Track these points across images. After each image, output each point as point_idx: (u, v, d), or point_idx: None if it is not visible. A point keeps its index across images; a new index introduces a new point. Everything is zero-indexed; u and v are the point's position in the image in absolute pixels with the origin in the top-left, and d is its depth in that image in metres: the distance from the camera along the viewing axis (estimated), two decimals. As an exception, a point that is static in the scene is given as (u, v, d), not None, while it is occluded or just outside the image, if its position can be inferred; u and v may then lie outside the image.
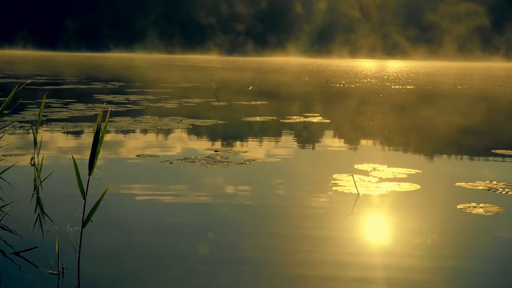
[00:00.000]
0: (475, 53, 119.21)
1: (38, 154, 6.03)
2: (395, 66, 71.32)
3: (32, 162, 5.95)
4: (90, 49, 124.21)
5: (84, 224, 3.14)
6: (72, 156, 3.24)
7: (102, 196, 3.09)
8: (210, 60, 77.50)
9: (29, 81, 5.47)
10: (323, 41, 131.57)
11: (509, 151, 7.63)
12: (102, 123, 3.13)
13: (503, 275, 3.25)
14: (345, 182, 5.37)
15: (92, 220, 3.98)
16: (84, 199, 3.14)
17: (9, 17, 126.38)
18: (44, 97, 6.07)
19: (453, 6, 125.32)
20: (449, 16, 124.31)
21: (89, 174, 3.12)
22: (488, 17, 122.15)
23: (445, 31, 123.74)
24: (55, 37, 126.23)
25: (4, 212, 3.83)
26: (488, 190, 5.22)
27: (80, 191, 3.13)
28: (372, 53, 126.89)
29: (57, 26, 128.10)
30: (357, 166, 6.20)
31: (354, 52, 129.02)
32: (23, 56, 72.18)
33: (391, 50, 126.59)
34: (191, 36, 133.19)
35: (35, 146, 6.09)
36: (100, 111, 3.02)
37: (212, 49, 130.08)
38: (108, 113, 3.20)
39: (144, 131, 8.85)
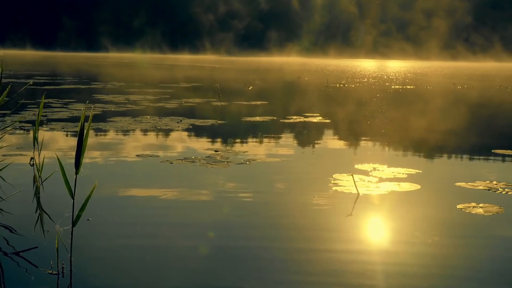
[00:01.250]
0: (461, 52, 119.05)
1: (39, 154, 6.03)
2: (393, 66, 71.31)
3: (32, 162, 5.95)
4: (87, 49, 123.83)
5: (74, 223, 3.14)
6: (57, 156, 3.25)
7: (90, 194, 3.09)
8: (208, 60, 77.50)
9: (31, 81, 5.45)
10: (322, 40, 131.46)
11: (509, 151, 7.63)
12: (86, 123, 3.13)
13: (503, 274, 3.25)
14: (345, 182, 5.37)
15: (88, 219, 3.97)
16: (73, 198, 3.14)
17: (5, 16, 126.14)
18: (43, 97, 6.06)
19: (437, 2, 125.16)
20: (434, 14, 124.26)
21: (76, 173, 3.13)
22: (473, 15, 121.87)
23: (432, 29, 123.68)
24: (52, 37, 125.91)
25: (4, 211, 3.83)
26: (488, 190, 5.22)
27: (68, 190, 3.13)
28: (372, 53, 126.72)
29: (54, 26, 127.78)
30: (357, 166, 6.19)
31: (354, 51, 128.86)
32: (22, 56, 72.18)
33: (390, 50, 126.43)
34: (189, 35, 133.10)
35: (34, 146, 6.08)
36: (83, 109, 3.04)
37: (211, 49, 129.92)
38: (91, 113, 3.20)
39: (144, 131, 8.85)
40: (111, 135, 8.32)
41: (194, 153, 6.85)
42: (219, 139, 8.37)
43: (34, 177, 5.32)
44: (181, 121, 10.18)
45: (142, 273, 3.14)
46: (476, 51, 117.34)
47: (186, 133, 8.80)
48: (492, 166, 6.74)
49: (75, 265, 3.17)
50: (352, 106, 15.19)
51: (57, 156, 3.23)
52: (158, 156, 6.63)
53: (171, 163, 6.21)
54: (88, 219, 3.98)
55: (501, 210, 4.53)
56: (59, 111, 11.26)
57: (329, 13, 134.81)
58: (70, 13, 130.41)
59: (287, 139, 8.64)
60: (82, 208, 3.10)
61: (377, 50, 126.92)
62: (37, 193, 4.72)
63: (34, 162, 5.88)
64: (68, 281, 3.01)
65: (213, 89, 16.66)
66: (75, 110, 11.64)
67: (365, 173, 5.84)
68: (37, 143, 5.99)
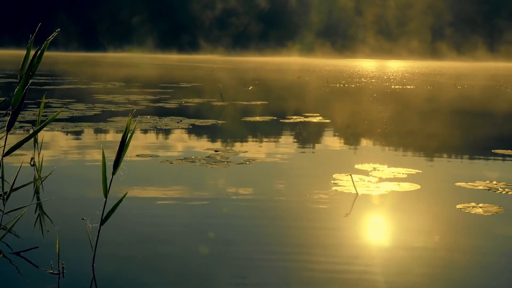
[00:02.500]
0: (443, 52, 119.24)
1: (39, 154, 6.03)
2: (392, 66, 71.31)
3: (32, 162, 5.95)
4: (85, 48, 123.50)
5: (102, 222, 3.18)
6: (103, 151, 3.27)
7: (121, 199, 3.17)
8: (207, 60, 77.48)
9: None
10: (321, 40, 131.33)
11: (509, 151, 7.63)
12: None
13: (501, 274, 3.25)
14: (345, 182, 5.37)
15: (83, 219, 3.97)
16: (106, 197, 3.17)
17: (3, 16, 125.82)
18: (44, 97, 6.06)
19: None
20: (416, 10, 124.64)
21: (113, 174, 3.17)
22: (456, 12, 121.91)
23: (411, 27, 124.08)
24: (48, 37, 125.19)
25: (11, 215, 3.83)
26: (488, 190, 5.23)
27: (103, 188, 3.17)
28: (372, 53, 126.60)
29: (52, 25, 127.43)
30: (357, 166, 6.20)
31: (354, 51, 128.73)
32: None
33: (390, 50, 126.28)
34: (188, 35, 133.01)
35: (35, 146, 6.09)
36: (130, 115, 3.08)
37: (209, 48, 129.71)
38: (137, 118, 3.22)
39: (144, 131, 8.85)
40: (111, 135, 8.32)
41: (194, 153, 6.85)
42: (219, 139, 8.37)
43: (34, 177, 5.32)
44: (181, 121, 10.18)
45: (141, 273, 3.14)
46: (461, 50, 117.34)
47: (186, 133, 8.80)
48: (492, 166, 6.75)
49: (74, 265, 3.17)
50: (352, 106, 15.19)
51: (103, 151, 3.24)
52: (158, 156, 6.63)
53: (171, 163, 6.21)
54: (83, 219, 3.97)
55: (501, 210, 4.54)
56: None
57: (327, 11, 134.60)
58: (68, 13, 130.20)
59: (287, 139, 8.64)
60: (112, 210, 3.16)
61: (375, 49, 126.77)
62: (37, 193, 4.73)
63: (34, 162, 5.89)
64: (69, 281, 3.01)
65: (213, 89, 16.66)
66: (75, 110, 11.64)
67: (365, 173, 5.85)
68: (37, 143, 6.00)
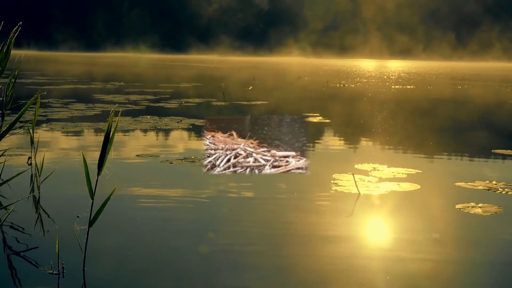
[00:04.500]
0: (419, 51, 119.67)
1: (35, 154, 6.05)
2: (391, 66, 71.30)
3: (30, 162, 5.95)
4: (83, 48, 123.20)
5: (91, 223, 3.16)
6: (83, 155, 3.25)
7: (109, 197, 3.13)
8: (206, 60, 77.46)
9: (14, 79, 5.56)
10: (323, 40, 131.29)
11: (509, 151, 7.63)
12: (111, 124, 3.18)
13: (501, 274, 3.26)
14: (345, 182, 5.37)
15: (78, 216, 3.97)
16: (92, 198, 3.15)
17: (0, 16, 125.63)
18: (39, 97, 6.06)
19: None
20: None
21: (98, 174, 3.15)
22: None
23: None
24: (48, 37, 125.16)
25: (8, 211, 3.84)
26: (488, 190, 5.23)
27: (89, 190, 3.15)
28: (373, 53, 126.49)
29: (50, 25, 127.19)
30: (357, 166, 6.20)
31: (355, 51, 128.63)
32: (16, 55, 72.09)
33: (392, 50, 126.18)
34: (187, 35, 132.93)
35: (32, 145, 6.10)
36: (112, 111, 3.06)
37: (208, 48, 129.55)
38: (120, 113, 3.22)
39: (144, 131, 8.85)
40: (111, 135, 8.31)
41: (194, 153, 6.85)
42: (219, 139, 8.36)
43: (32, 176, 5.32)
44: (181, 121, 10.18)
45: (141, 273, 3.14)
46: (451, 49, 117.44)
47: (186, 133, 8.80)
48: (492, 166, 6.75)
49: (74, 265, 3.17)
50: (352, 106, 15.19)
51: (83, 155, 3.23)
52: (158, 156, 6.63)
53: (171, 163, 6.21)
54: (78, 216, 3.97)
55: (500, 210, 4.54)
56: (59, 111, 11.27)
57: (326, 10, 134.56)
58: (65, 12, 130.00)
59: (287, 139, 8.63)
60: (100, 210, 3.13)
61: (375, 49, 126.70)
62: (36, 193, 4.72)
63: (32, 162, 5.90)
64: (69, 281, 3.01)
65: (213, 89, 16.66)
66: (75, 110, 11.64)
67: (365, 173, 5.85)
68: (34, 142, 6.02)
